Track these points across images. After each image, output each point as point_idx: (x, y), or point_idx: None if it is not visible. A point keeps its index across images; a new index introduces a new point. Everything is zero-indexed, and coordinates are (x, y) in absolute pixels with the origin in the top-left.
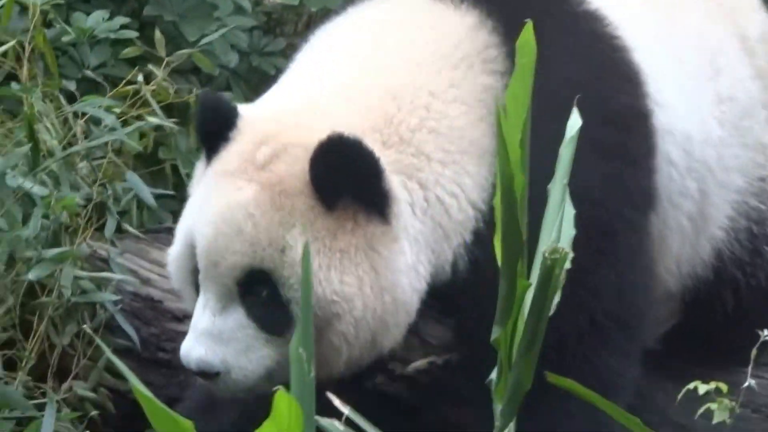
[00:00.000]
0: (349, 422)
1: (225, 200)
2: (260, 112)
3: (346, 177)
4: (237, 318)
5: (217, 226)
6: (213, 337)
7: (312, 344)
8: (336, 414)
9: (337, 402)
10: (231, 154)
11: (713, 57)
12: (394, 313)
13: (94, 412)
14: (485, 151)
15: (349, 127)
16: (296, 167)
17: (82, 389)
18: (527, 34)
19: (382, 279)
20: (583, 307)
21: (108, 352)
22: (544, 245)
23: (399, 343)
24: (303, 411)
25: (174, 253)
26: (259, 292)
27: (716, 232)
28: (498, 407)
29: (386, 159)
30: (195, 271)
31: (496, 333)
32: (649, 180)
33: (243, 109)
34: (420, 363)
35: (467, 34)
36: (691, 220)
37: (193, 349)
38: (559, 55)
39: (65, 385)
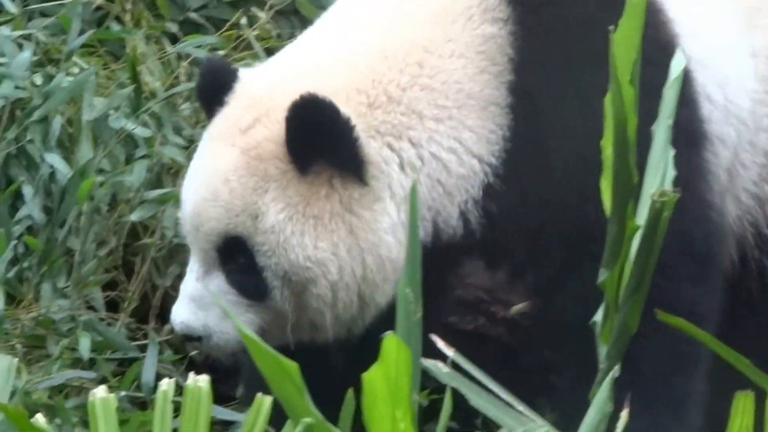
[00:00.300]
0: (453, 365)
1: (208, 166)
2: (257, 77)
3: (317, 139)
4: (218, 284)
5: (198, 192)
6: (196, 301)
7: (419, 284)
8: (440, 356)
9: (441, 344)
10: (221, 119)
11: (751, 14)
12: (381, 270)
13: (194, 353)
14: (489, 103)
15: (331, 89)
16: (274, 131)
17: None
18: None
19: (362, 241)
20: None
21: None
22: (650, 187)
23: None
24: (410, 352)
25: (180, 217)
26: (237, 259)
27: (741, 195)
28: (603, 349)
29: (371, 120)
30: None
31: (602, 276)
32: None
33: (243, 73)
34: (521, 306)
35: (482, 20)
36: (726, 172)
37: (178, 313)
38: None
39: (167, 327)
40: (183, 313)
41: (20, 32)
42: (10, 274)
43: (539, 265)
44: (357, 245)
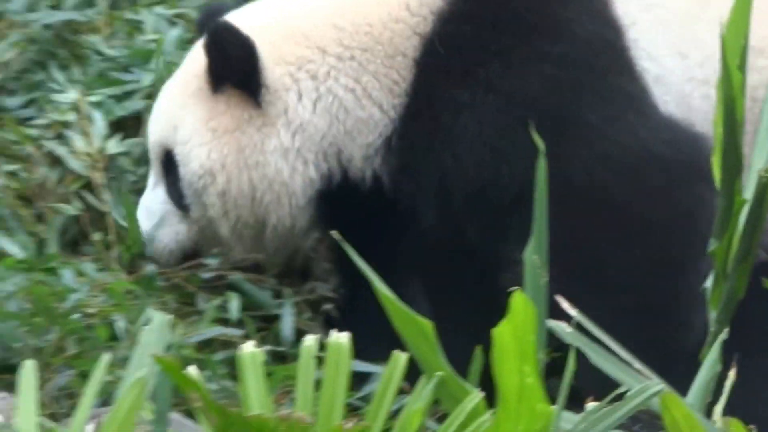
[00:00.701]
0: (578, 326)
1: (163, 89)
2: (236, 15)
3: (226, 63)
4: (160, 194)
5: (154, 110)
6: (145, 210)
7: (545, 250)
8: (565, 317)
9: (565, 305)
10: (191, 52)
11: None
12: (268, 190)
13: (331, 310)
14: (397, 53)
15: (254, 23)
16: (202, 59)
17: (323, 290)
18: None
19: (248, 158)
20: None
21: (351, 254)
22: (758, 164)
23: (302, 224)
24: (536, 311)
25: None
26: (172, 170)
27: None
28: (713, 314)
29: (280, 50)
30: None
31: (713, 245)
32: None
33: (231, 15)
34: None
35: None
36: None
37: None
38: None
39: (307, 287)
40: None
41: (173, 11)
42: None
43: (445, 229)
44: (244, 162)
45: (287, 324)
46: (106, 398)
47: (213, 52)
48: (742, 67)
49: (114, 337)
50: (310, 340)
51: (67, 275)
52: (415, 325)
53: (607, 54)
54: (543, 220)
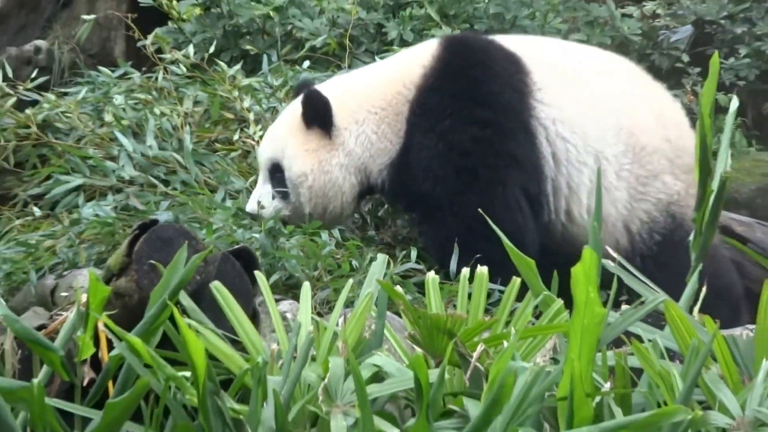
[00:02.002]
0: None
1: (271, 126)
2: (316, 85)
3: (314, 113)
4: (267, 188)
5: (263, 140)
6: (256, 196)
7: (600, 223)
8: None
9: (610, 251)
10: (290, 105)
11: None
12: (331, 189)
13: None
14: (398, 113)
15: (330, 91)
16: (300, 107)
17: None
18: (715, 61)
19: (323, 168)
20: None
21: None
22: (720, 169)
23: (347, 211)
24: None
25: None
26: (276, 174)
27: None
28: (693, 254)
29: (340, 107)
30: None
31: (694, 215)
32: (517, 146)
33: (318, 85)
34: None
35: (419, 54)
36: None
37: (247, 204)
38: (480, 73)
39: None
40: (249, 204)
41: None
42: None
43: (418, 213)
44: (320, 169)
45: (453, 263)
46: (349, 304)
47: (308, 105)
48: (711, 115)
49: (353, 269)
50: (465, 271)
51: (324, 236)
52: (525, 262)
53: (512, 117)
54: (599, 197)
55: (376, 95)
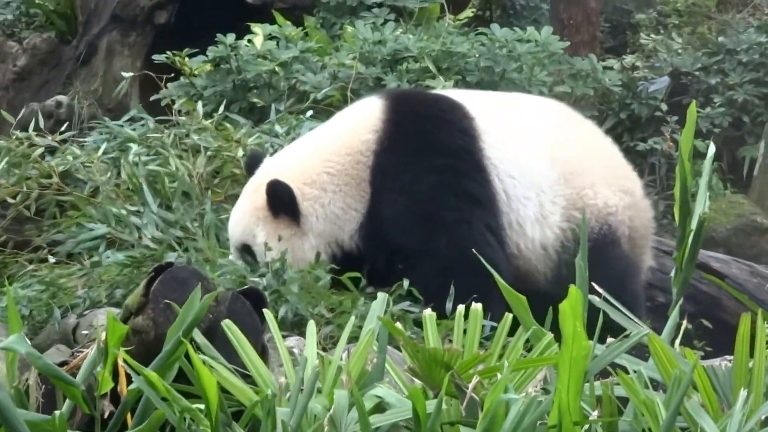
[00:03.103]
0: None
1: (238, 207)
2: (265, 163)
3: (279, 202)
4: (241, 265)
5: (232, 221)
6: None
7: (586, 262)
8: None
9: (596, 287)
10: (248, 183)
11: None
12: (302, 264)
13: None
14: (361, 180)
15: (288, 176)
16: (264, 194)
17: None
18: (692, 110)
19: (297, 253)
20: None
21: (491, 271)
22: (699, 210)
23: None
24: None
25: None
26: (246, 254)
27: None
28: (675, 289)
29: (303, 193)
30: None
31: (675, 254)
32: (475, 185)
33: (267, 159)
34: None
35: (367, 118)
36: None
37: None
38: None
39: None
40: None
41: None
42: None
43: (397, 266)
44: (295, 257)
45: (449, 303)
46: (351, 340)
47: (274, 198)
48: (689, 159)
49: (354, 306)
50: (461, 308)
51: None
52: (517, 299)
53: (466, 159)
54: (584, 246)
55: (336, 172)
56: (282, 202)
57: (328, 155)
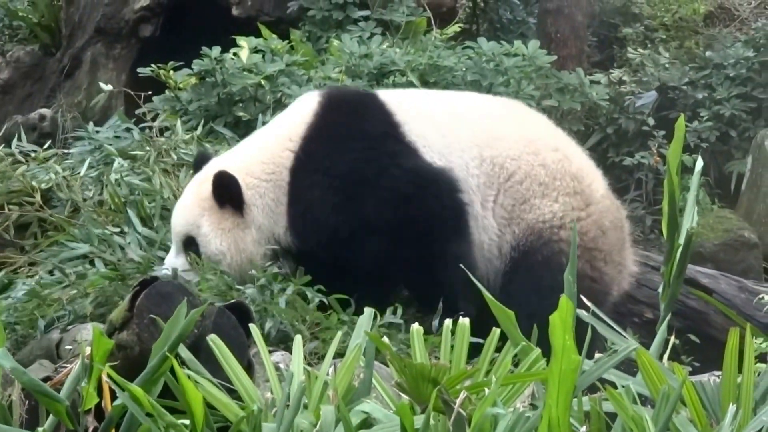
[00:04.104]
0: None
1: (183, 198)
2: (216, 159)
3: (225, 193)
4: (182, 259)
5: (175, 212)
6: (169, 265)
7: (575, 275)
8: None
9: (585, 300)
10: (194, 177)
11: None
12: (246, 261)
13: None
14: (286, 183)
15: (233, 168)
16: (209, 186)
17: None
18: (680, 124)
19: (240, 245)
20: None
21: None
22: (687, 225)
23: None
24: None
25: None
26: (190, 247)
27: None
28: (662, 305)
29: (246, 183)
30: None
31: (662, 269)
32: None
33: (217, 160)
34: None
35: (302, 110)
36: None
37: (163, 270)
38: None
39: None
40: (162, 272)
41: None
42: None
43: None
44: (237, 249)
45: (437, 319)
46: (338, 355)
47: (220, 188)
48: (677, 173)
49: (342, 322)
50: (448, 323)
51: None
52: (505, 315)
53: (390, 142)
54: (574, 259)
55: (267, 160)
56: (228, 191)
57: (265, 145)
